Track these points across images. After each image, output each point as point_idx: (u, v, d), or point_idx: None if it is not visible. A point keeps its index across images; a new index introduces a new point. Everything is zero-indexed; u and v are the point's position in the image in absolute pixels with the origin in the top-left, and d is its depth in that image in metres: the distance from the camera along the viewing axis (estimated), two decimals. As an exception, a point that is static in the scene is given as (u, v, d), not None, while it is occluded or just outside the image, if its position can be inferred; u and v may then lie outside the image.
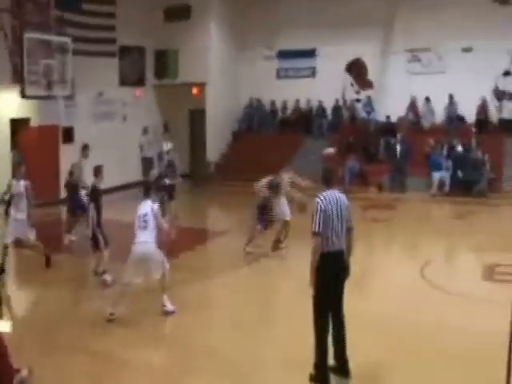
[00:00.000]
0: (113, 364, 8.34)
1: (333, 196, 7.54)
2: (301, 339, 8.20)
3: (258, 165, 23.23)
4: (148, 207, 9.90)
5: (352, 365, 7.60)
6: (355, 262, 7.87)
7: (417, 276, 12.13)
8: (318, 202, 7.47)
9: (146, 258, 9.78)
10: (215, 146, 25.84)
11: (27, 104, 19.84)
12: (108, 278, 11.90)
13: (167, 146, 19.66)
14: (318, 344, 7.49)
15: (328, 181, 7.73)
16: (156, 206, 10.00)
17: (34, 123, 20.50)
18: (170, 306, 10.04)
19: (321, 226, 7.35)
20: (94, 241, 12.04)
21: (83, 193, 14.61)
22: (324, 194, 7.55)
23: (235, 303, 10.91)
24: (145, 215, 9.83)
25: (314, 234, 7.37)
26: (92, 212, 12.06)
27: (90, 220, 12.10)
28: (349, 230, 7.65)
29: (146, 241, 9.75)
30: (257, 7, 25.88)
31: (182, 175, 19.35)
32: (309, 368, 7.47)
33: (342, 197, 7.66)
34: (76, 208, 15.06)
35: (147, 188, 10.98)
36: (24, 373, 6.46)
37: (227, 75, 26.19)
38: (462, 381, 7.73)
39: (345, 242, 7.56)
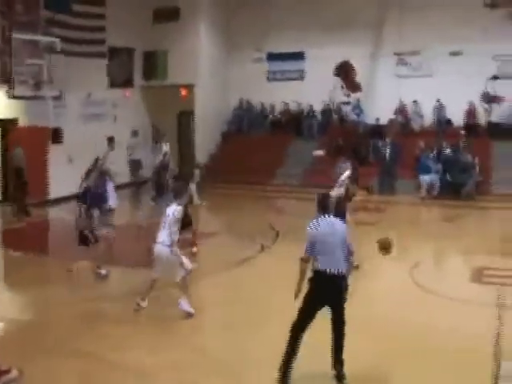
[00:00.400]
0: (104, 365, 8.28)
1: (325, 222, 7.68)
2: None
3: (247, 166, 23.37)
4: (171, 209, 10.10)
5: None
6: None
7: (406, 278, 12.15)
8: (307, 229, 7.67)
9: (160, 259, 10.04)
10: (204, 147, 25.78)
11: (15, 104, 19.75)
12: (103, 271, 11.97)
13: (166, 146, 19.66)
14: (286, 348, 7.56)
15: (324, 208, 7.84)
16: (179, 209, 10.14)
17: (22, 124, 20.40)
18: (186, 306, 10.01)
19: (308, 251, 7.61)
20: (82, 237, 12.01)
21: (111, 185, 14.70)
22: (315, 221, 7.71)
23: (226, 304, 10.88)
24: (167, 216, 10.07)
25: (301, 258, 7.65)
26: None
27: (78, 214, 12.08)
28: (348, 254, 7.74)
29: (161, 241, 9.99)
30: (246, 9, 25.87)
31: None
32: (300, 368, 7.47)
33: (338, 223, 7.80)
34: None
35: (178, 191, 11.02)
36: (13, 373, 6.41)
37: (216, 77, 26.17)
38: (450, 382, 7.75)
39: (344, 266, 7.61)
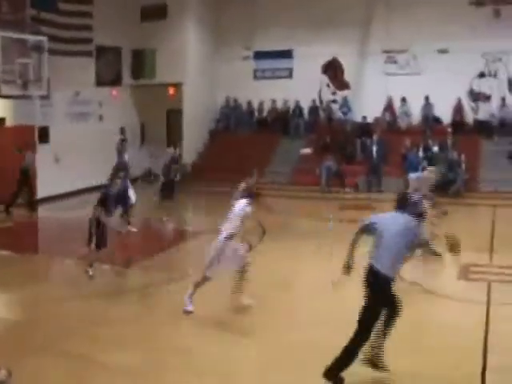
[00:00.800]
0: (93, 365, 8.24)
1: (393, 217, 7.67)
2: (277, 338, 8.20)
3: (234, 165, 23.35)
4: (239, 205, 10.13)
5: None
6: (335, 263, 7.87)
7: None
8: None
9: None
10: (192, 146, 25.76)
11: (2, 103, 19.67)
12: (91, 272, 11.94)
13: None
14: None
15: (402, 206, 7.77)
16: (245, 206, 10.13)
17: (9, 123, 20.33)
18: (188, 303, 10.12)
19: (370, 218, 7.67)
20: (89, 236, 12.01)
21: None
22: (387, 213, 7.87)
23: (210, 303, 10.86)
24: (234, 210, 10.13)
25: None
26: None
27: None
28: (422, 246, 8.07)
29: (223, 232, 10.03)
30: (234, 7, 25.90)
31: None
32: (282, 368, 7.47)
33: (406, 220, 7.60)
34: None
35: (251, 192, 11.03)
36: (2, 373, 6.37)
37: (204, 75, 26.15)
38: (439, 378, 7.79)
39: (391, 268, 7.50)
